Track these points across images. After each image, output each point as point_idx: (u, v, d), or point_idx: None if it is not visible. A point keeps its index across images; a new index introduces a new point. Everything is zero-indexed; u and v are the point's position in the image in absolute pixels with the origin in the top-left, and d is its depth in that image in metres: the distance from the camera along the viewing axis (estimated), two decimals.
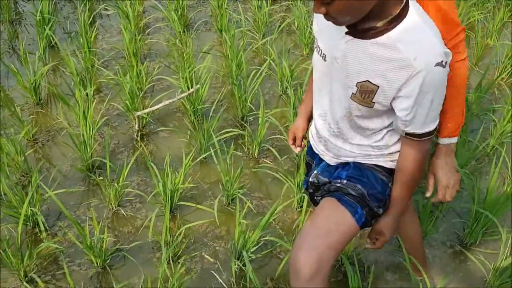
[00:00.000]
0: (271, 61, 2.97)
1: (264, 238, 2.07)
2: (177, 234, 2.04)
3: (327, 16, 1.17)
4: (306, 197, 2.08)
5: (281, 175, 2.34)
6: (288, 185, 2.29)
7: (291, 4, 3.60)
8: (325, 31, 1.30)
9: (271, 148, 2.45)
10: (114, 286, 1.90)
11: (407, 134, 1.30)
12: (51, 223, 2.18)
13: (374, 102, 1.26)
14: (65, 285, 1.95)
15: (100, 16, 3.53)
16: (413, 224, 1.84)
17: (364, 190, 1.42)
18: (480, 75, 2.99)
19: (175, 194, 2.17)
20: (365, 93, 1.26)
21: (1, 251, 1.89)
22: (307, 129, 1.66)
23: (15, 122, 2.60)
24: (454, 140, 1.52)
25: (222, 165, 2.22)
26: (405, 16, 1.17)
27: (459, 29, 1.41)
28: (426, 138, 1.30)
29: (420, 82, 1.17)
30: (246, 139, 2.59)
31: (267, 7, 3.37)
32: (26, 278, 1.94)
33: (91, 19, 3.29)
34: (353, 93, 1.28)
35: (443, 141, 1.51)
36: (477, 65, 3.15)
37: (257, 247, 2.03)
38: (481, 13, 3.50)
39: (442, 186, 1.53)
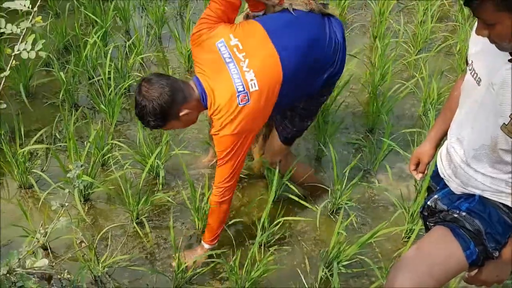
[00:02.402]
0: (419, 79, 2.81)
1: (360, 256, 1.99)
2: (274, 223, 2.07)
3: (490, 39, 1.12)
4: (416, 230, 1.94)
5: (395, 198, 2.21)
6: (400, 212, 2.16)
7: (458, 25, 3.33)
8: (485, 55, 1.23)
9: (389, 167, 2.33)
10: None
11: None
12: (169, 179, 2.37)
13: None
14: (166, 236, 2.12)
15: None
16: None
17: (482, 227, 1.33)
18: None
19: (282, 185, 2.18)
20: None
21: (123, 190, 2.11)
22: (434, 155, 1.55)
23: None
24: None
25: (335, 172, 2.17)
26: None
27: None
28: None
29: None
30: (367, 152, 2.50)
31: (431, 23, 3.17)
32: (137, 220, 2.15)
33: None
34: (504, 123, 1.20)
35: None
36: None
37: (349, 262, 1.96)
38: None
39: None
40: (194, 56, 1.87)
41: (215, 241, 1.98)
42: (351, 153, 2.56)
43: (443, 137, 1.55)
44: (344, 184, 2.16)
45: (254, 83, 1.73)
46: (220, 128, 1.74)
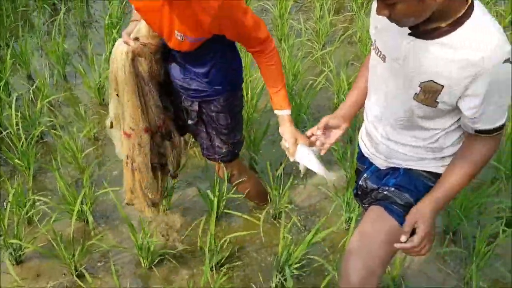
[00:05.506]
0: (329, 73, 2.92)
1: (309, 256, 2.03)
2: (221, 242, 2.05)
3: (391, 19, 1.17)
4: (353, 218, 2.02)
5: (331, 191, 2.28)
6: (337, 203, 2.23)
7: (354, 14, 3.52)
8: (386, 32, 1.29)
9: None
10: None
11: (476, 131, 1.27)
12: (102, 220, 2.25)
13: (438, 102, 1.25)
14: (112, 282, 2.02)
15: None
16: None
17: (411, 199, 1.40)
18: None
19: (221, 202, 2.17)
20: (429, 93, 1.24)
21: (55, 245, 1.98)
22: (341, 127, 1.50)
23: (78, 120, 2.73)
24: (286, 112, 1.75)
25: (270, 178, 2.20)
26: (469, 16, 1.15)
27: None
28: (497, 133, 1.27)
29: (488, 80, 1.15)
30: None
31: (329, 17, 3.32)
32: (77, 272, 2.02)
33: None
34: (415, 93, 1.27)
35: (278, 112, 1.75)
36: None
37: (300, 263, 1.99)
38: None
39: None
40: None
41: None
42: (283, 155, 2.59)
43: (352, 114, 1.52)
44: (281, 188, 2.20)
45: None
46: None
